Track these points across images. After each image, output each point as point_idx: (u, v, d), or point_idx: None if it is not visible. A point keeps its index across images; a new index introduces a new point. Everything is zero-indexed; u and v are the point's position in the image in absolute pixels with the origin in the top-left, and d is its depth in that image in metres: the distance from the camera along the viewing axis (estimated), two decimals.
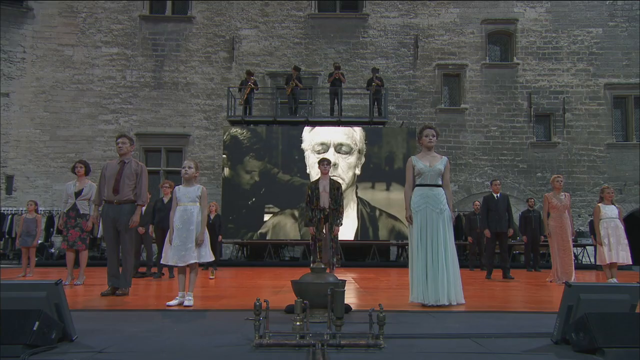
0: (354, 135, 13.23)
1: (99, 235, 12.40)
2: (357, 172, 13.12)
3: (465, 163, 16.09)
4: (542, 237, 10.82)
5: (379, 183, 13.37)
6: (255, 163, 13.35)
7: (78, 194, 6.75)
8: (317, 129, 13.55)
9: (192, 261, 4.37)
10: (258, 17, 16.71)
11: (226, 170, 13.47)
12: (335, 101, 14.66)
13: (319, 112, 15.97)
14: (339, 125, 14.15)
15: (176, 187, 4.62)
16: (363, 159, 13.12)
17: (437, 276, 4.20)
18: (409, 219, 4.41)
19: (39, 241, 9.56)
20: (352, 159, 13.04)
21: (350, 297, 4.85)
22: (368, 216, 13.13)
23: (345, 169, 13.06)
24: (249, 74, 14.39)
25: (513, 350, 2.50)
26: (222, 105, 15.87)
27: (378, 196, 13.27)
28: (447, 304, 4.15)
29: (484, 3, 16.71)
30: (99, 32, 16.56)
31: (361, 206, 13.11)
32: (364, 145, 13.23)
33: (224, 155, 13.59)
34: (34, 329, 2.33)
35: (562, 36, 16.56)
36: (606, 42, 16.46)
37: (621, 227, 7.06)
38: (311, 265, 3.66)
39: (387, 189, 13.33)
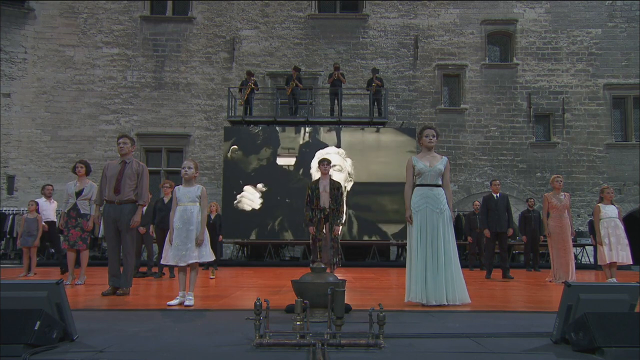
0: (345, 164, 13.50)
1: (100, 235, 12.41)
2: (347, 187, 13.30)
3: (465, 163, 16.09)
4: (542, 237, 10.83)
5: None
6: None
7: (79, 193, 6.77)
8: (323, 152, 13.58)
9: (192, 261, 4.38)
10: (258, 18, 16.72)
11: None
12: (336, 101, 14.66)
13: (319, 113, 15.97)
14: (339, 125, 14.15)
15: (176, 187, 4.63)
16: (352, 183, 13.40)
17: (437, 276, 4.21)
18: (409, 219, 4.42)
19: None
20: (342, 175, 13.33)
21: (350, 297, 4.85)
22: (355, 219, 13.29)
23: (336, 177, 13.39)
24: (250, 74, 14.40)
25: (513, 350, 2.51)
26: (223, 106, 15.88)
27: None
28: (446, 304, 4.16)
29: (483, 3, 16.71)
30: (100, 32, 16.57)
31: (349, 209, 13.21)
32: (353, 171, 13.47)
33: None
34: (35, 328, 2.34)
35: (561, 37, 16.56)
36: (605, 43, 16.46)
37: (621, 226, 7.07)
38: (311, 265, 3.66)
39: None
